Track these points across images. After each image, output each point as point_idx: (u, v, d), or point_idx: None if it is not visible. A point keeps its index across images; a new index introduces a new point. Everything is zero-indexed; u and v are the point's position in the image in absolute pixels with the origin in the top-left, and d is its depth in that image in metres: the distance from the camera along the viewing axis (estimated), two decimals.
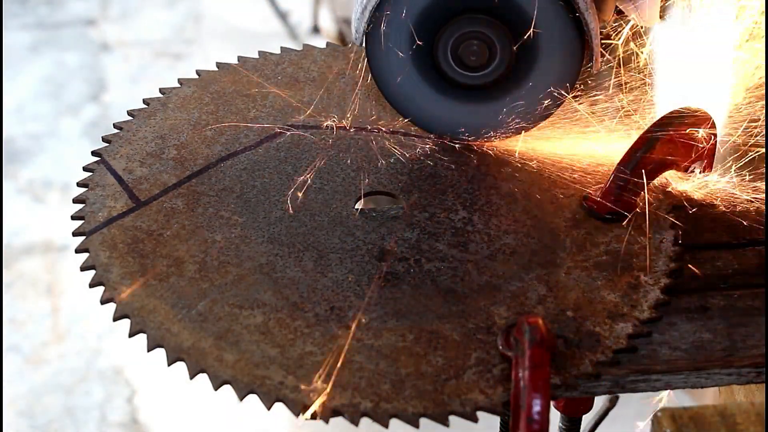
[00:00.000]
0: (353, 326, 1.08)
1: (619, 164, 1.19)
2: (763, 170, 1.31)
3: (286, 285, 1.12)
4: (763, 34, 1.30)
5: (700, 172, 1.26)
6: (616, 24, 1.29)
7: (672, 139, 1.20)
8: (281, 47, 1.43)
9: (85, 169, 1.27)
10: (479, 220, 1.20)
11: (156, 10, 4.08)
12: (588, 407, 1.32)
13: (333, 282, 1.13)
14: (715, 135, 1.24)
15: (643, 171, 1.19)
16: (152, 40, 3.85)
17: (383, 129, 1.31)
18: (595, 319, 1.08)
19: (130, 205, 1.21)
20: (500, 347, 1.05)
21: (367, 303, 1.11)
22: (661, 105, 1.29)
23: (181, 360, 1.05)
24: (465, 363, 1.05)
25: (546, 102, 1.26)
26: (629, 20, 1.27)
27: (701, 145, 1.24)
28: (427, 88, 1.27)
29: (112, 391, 2.81)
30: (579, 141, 1.30)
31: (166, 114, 1.35)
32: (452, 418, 1.01)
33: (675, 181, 1.26)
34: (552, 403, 1.18)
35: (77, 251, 1.16)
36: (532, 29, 1.21)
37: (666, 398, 1.17)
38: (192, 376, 1.04)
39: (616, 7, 1.25)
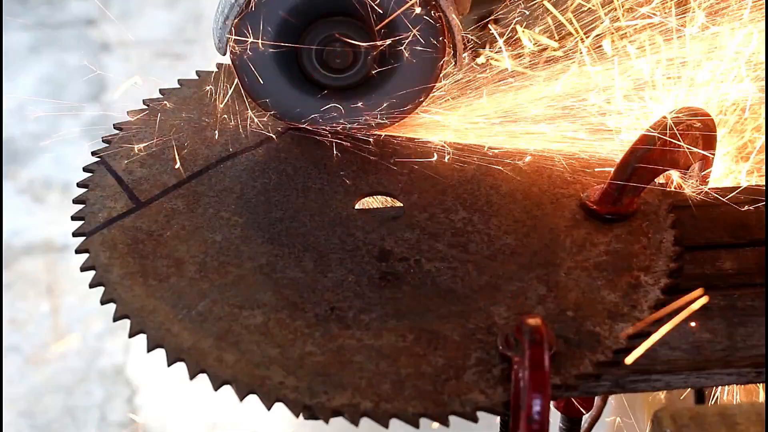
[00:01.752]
0: (353, 326, 1.08)
1: (619, 164, 1.19)
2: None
3: (286, 285, 1.12)
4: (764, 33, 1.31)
5: (699, 172, 1.26)
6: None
7: (672, 139, 1.20)
8: None
9: (85, 169, 1.27)
10: (479, 220, 1.20)
11: (156, 10, 4.08)
12: (588, 407, 1.33)
13: (333, 282, 1.13)
14: (714, 134, 1.24)
15: (643, 171, 1.19)
16: (152, 40, 3.85)
17: (383, 130, 1.31)
18: (595, 319, 1.08)
19: (131, 205, 1.21)
20: (500, 347, 1.05)
21: (367, 303, 1.11)
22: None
23: (181, 360, 1.05)
24: (465, 363, 1.05)
25: (411, 98, 1.29)
26: None
27: (701, 144, 1.24)
28: (296, 91, 1.29)
29: (112, 391, 2.81)
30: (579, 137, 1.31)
31: (166, 115, 1.35)
32: (452, 418, 1.01)
33: (675, 180, 1.26)
34: (552, 403, 1.18)
35: (77, 252, 1.16)
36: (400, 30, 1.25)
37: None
38: (192, 377, 1.04)
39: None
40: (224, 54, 1.26)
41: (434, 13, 1.24)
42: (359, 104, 1.28)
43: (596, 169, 1.25)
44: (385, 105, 1.29)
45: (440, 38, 1.25)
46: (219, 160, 1.28)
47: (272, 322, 1.09)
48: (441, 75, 1.29)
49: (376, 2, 1.23)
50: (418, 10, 1.23)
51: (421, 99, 1.30)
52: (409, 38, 1.25)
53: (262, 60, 1.26)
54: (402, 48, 1.26)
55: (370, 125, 1.30)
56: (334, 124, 1.30)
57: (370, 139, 1.30)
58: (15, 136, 3.49)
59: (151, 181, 1.25)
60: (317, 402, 1.01)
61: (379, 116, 1.29)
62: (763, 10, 1.30)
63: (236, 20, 1.23)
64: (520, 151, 1.28)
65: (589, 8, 1.32)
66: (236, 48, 1.25)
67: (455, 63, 1.28)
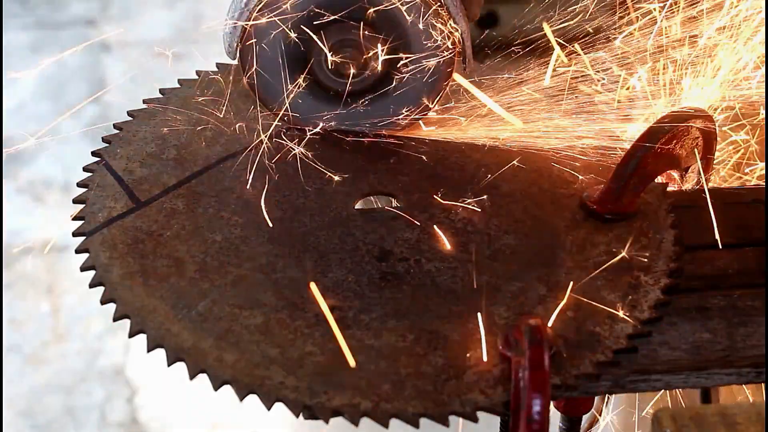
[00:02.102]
0: (353, 326, 1.08)
1: (619, 164, 1.19)
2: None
3: (286, 285, 1.12)
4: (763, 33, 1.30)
5: (699, 171, 1.26)
6: None
7: (672, 139, 1.20)
8: None
9: (85, 169, 1.27)
10: (479, 220, 1.20)
11: (156, 10, 4.08)
12: (588, 407, 1.32)
13: (333, 282, 1.12)
14: (715, 134, 1.24)
15: (644, 170, 1.19)
16: (152, 40, 3.85)
17: (383, 130, 1.31)
18: (595, 319, 1.08)
19: (131, 205, 1.21)
20: (500, 347, 1.05)
21: (367, 303, 1.10)
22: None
23: (181, 360, 1.05)
24: (465, 363, 1.05)
25: (422, 104, 1.28)
26: None
27: (701, 144, 1.24)
28: (307, 96, 1.28)
29: (112, 391, 2.81)
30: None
31: (166, 115, 1.35)
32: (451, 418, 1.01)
33: (675, 180, 1.26)
34: (552, 403, 1.18)
35: (77, 252, 1.16)
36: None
37: None
38: (192, 377, 1.04)
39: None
40: (234, 58, 1.26)
41: (443, 19, 1.24)
42: (371, 108, 1.29)
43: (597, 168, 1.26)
44: (397, 109, 1.28)
45: (449, 43, 1.25)
46: (219, 160, 1.27)
47: (272, 322, 1.08)
48: (451, 78, 1.29)
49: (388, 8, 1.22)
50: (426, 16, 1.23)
51: (432, 103, 1.29)
52: (418, 43, 1.25)
53: (273, 65, 1.26)
54: (413, 53, 1.26)
55: (382, 128, 1.30)
56: (344, 128, 1.30)
57: (371, 140, 1.30)
58: (15, 136, 3.49)
59: (151, 181, 1.24)
60: (317, 402, 1.01)
61: (391, 119, 1.29)
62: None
63: (247, 25, 1.23)
64: (520, 150, 1.28)
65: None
66: (246, 53, 1.25)
67: (465, 68, 1.28)
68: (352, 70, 1.27)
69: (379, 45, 1.25)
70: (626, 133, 1.30)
